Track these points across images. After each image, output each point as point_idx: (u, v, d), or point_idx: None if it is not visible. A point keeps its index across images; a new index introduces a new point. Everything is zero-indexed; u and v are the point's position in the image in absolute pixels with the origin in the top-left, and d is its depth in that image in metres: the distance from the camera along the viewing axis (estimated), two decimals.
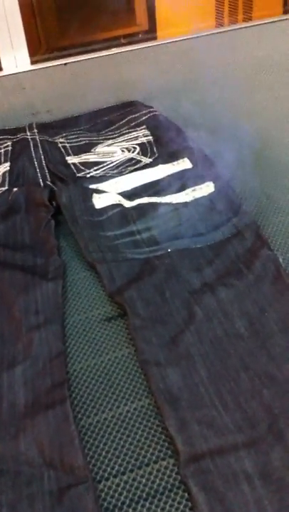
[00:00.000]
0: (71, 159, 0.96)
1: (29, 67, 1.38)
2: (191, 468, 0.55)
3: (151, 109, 1.06)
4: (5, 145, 0.99)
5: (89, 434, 0.60)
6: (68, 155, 0.97)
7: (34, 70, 1.37)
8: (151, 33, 1.93)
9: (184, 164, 0.93)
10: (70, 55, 1.41)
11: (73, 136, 1.01)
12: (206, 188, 0.88)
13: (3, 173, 0.93)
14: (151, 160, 0.95)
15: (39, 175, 0.92)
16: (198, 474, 0.55)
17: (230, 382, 0.63)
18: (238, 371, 0.64)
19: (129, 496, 0.55)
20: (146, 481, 0.56)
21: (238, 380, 0.63)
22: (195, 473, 0.55)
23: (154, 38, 1.83)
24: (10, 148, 0.99)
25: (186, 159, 0.94)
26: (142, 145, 0.98)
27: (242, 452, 0.56)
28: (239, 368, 0.64)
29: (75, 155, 0.97)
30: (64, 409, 0.61)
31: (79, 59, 1.38)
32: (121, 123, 1.04)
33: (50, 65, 1.37)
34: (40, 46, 1.81)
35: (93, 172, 0.93)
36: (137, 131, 1.01)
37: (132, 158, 0.95)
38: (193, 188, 0.88)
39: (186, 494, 0.54)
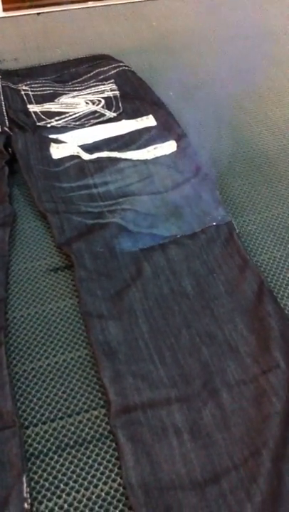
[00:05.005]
0: (33, 108, 0.92)
1: (0, 14, 1.32)
2: (121, 419, 0.55)
3: (121, 64, 1.03)
4: None
5: (22, 380, 0.59)
6: (30, 103, 0.93)
7: (5, 17, 1.31)
8: None
9: (148, 121, 0.91)
10: (43, 6, 1.35)
11: (37, 85, 0.98)
12: (168, 147, 0.86)
13: None
14: (115, 114, 0.92)
15: None
16: (128, 425, 0.54)
17: (171, 338, 0.62)
18: (179, 328, 0.63)
19: (56, 443, 0.54)
20: (75, 429, 0.55)
21: (178, 337, 0.62)
22: (125, 424, 0.54)
23: None
24: None
25: (150, 116, 0.92)
26: (107, 99, 0.95)
27: (174, 407, 0.56)
28: (181, 325, 0.63)
29: (37, 104, 0.93)
30: None
31: (53, 9, 1.33)
32: (88, 75, 1.01)
33: (23, 13, 1.32)
34: None
35: (54, 122, 0.90)
36: (104, 84, 0.98)
37: (95, 111, 0.93)
38: (155, 146, 0.86)
39: (113, 444, 0.54)
